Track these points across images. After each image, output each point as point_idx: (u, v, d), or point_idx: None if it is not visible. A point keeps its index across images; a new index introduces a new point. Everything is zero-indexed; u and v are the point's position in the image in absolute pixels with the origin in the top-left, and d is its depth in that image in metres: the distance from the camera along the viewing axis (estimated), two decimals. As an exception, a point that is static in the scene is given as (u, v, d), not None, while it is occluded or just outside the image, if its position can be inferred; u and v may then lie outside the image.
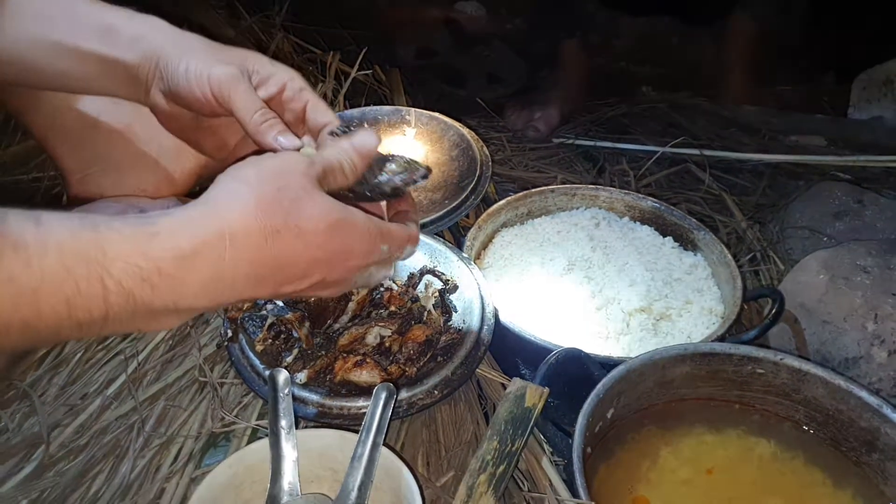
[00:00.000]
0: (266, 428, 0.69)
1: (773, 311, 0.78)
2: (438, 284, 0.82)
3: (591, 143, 1.49)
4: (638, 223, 1.03)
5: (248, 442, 0.70)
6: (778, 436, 0.69)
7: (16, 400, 0.75)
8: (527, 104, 1.61)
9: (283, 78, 0.61)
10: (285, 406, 0.61)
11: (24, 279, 0.38)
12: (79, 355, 0.80)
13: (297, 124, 0.65)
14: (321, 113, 0.62)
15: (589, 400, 0.65)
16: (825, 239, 0.97)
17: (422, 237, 0.89)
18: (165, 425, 0.72)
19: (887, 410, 0.62)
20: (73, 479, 0.67)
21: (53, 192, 1.04)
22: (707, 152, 1.35)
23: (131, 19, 0.60)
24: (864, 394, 0.63)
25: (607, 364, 0.70)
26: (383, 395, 0.60)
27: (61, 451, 0.69)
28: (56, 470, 0.68)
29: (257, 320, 0.77)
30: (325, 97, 1.31)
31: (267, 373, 0.70)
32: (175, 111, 0.61)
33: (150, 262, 0.41)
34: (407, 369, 0.71)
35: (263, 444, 0.59)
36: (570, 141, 1.52)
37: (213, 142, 0.66)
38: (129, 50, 0.59)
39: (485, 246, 1.01)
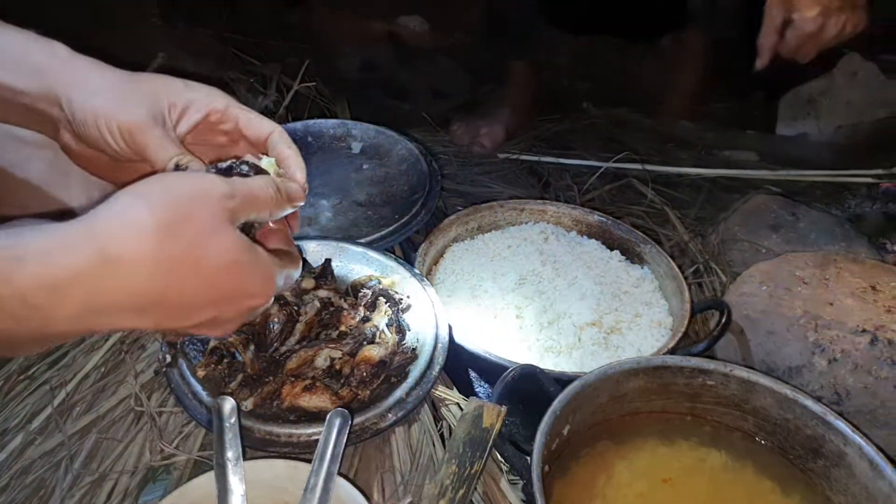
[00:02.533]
0: (210, 460, 0.65)
1: (721, 322, 0.79)
2: (391, 302, 0.80)
3: (536, 158, 1.51)
4: (585, 237, 1.04)
5: (191, 475, 0.66)
6: (728, 446, 0.71)
7: (-76, 438, 0.68)
8: (472, 120, 1.62)
9: (203, 103, 0.57)
10: (231, 436, 0.57)
11: None
12: (-2, 387, 0.73)
13: (234, 144, 0.63)
14: (257, 125, 0.59)
15: (546, 417, 0.64)
16: (763, 251, 1.00)
17: (373, 254, 0.87)
18: (98, 461, 0.67)
19: (831, 418, 0.64)
20: (-10, 526, 0.61)
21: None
22: (649, 167, 1.39)
23: (29, 44, 0.54)
24: (809, 402, 0.65)
25: (562, 380, 0.70)
26: (337, 422, 0.57)
27: (-23, 495, 0.63)
28: (-29, 516, 0.62)
29: (198, 344, 0.73)
30: (266, 110, 1.28)
31: (209, 400, 0.66)
32: (89, 153, 0.56)
33: (13, 291, 0.35)
34: (359, 392, 0.69)
35: (208, 478, 0.56)
36: (515, 156, 1.53)
37: (136, 178, 0.62)
38: (28, 80, 0.53)
39: (435, 261, 1.00)
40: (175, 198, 0.43)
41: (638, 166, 1.38)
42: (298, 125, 1.14)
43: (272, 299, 0.53)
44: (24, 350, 0.40)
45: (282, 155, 0.59)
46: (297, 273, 0.53)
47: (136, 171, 0.56)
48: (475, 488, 0.62)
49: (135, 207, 0.41)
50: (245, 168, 0.53)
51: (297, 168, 0.58)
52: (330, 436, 0.57)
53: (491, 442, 0.63)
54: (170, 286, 0.42)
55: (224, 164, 0.53)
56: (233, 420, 0.58)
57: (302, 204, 0.55)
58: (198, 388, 0.68)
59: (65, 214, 0.67)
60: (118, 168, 0.57)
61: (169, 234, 0.41)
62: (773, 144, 1.54)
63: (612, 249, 1.01)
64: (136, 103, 0.54)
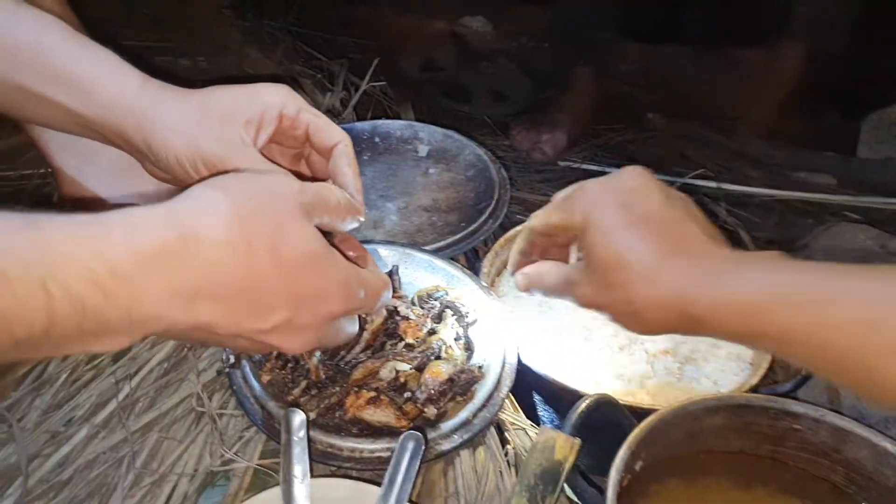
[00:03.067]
0: (270, 469, 0.64)
1: (812, 363, 0.74)
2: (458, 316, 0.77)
3: (598, 168, 1.47)
4: (657, 257, 1.00)
5: (250, 482, 0.65)
6: (814, 497, 0.66)
7: (-9, 424, 0.68)
8: (533, 125, 1.58)
9: (275, 111, 0.57)
10: (299, 451, 0.55)
11: None
12: (64, 375, 0.73)
13: (301, 146, 0.63)
14: (326, 133, 0.60)
15: (621, 452, 0.60)
16: (849, 285, 0.94)
17: (439, 262, 0.85)
18: (158, 461, 0.66)
19: (938, 479, 0.59)
20: (53, 520, 0.61)
21: (43, 192, 0.97)
22: (725, 186, 1.33)
23: (101, 74, 0.55)
24: (913, 460, 0.60)
25: (638, 413, 0.66)
26: (411, 446, 0.55)
27: (41, 487, 0.63)
28: (35, 508, 0.62)
29: (263, 347, 0.72)
30: (332, 108, 1.27)
31: (270, 404, 0.65)
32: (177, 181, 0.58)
33: (104, 262, 0.35)
34: (426, 410, 0.66)
35: (273, 495, 0.54)
36: (577, 165, 1.49)
37: None
38: (98, 114, 0.55)
39: (499, 272, 0.96)
40: (252, 189, 0.44)
41: (712, 184, 1.33)
42: (367, 125, 1.12)
43: (356, 325, 0.52)
44: (111, 342, 0.38)
45: (338, 171, 0.59)
46: (388, 294, 0.51)
47: None
48: (545, 523, 0.59)
49: (214, 196, 0.42)
50: None
51: (354, 190, 0.58)
52: (402, 460, 0.54)
53: (564, 476, 0.60)
54: (249, 272, 0.41)
55: None
56: (301, 434, 0.57)
57: (363, 220, 0.54)
58: (260, 391, 0.67)
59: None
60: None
61: (248, 220, 0.41)
62: (853, 168, 1.46)
63: (685, 272, 0.96)
64: (215, 135, 0.54)
